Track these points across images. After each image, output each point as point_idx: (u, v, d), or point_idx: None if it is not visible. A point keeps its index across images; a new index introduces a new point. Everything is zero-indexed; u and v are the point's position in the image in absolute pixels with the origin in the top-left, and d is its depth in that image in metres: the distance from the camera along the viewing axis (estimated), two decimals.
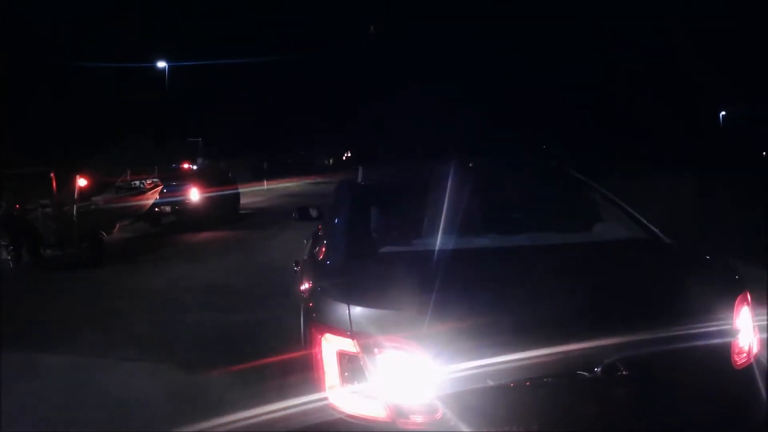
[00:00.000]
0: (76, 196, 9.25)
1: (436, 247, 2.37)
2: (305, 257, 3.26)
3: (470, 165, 3.33)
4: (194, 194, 13.99)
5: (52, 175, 9.02)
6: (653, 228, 2.63)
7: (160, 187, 12.51)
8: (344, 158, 52.65)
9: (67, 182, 9.29)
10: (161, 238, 12.47)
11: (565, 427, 1.80)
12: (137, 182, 12.50)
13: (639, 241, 2.56)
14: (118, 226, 10.75)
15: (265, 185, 27.12)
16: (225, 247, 11.19)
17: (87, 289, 7.59)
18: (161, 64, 28.89)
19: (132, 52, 25.75)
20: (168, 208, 13.50)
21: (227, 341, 4.85)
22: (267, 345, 4.21)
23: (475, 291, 2.03)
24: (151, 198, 12.02)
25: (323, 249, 2.60)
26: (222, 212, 14.94)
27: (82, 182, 9.52)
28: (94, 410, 3.59)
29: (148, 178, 13.05)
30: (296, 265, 3.72)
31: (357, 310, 1.87)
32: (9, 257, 8.74)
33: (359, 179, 3.15)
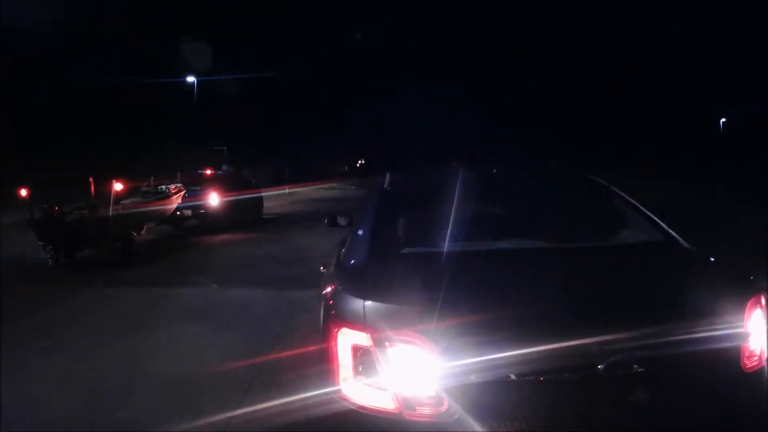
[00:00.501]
0: (111, 200, 9.34)
1: (453, 249, 2.34)
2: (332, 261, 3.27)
3: (493, 171, 3.29)
4: (214, 199, 14.02)
5: (90, 179, 9.16)
6: (670, 231, 2.53)
7: (183, 192, 12.57)
8: (358, 165, 53.10)
9: (104, 186, 9.40)
10: (180, 239, 12.63)
11: (569, 424, 1.74)
12: (163, 187, 12.55)
13: (652, 244, 2.48)
14: (145, 228, 10.84)
15: (287, 190, 27.74)
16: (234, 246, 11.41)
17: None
18: (190, 78, 29.70)
19: (163, 67, 26.22)
20: (189, 212, 13.55)
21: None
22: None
23: (484, 288, 2.01)
24: (175, 202, 12.11)
25: (348, 251, 2.60)
26: (244, 216, 14.99)
27: (117, 186, 9.62)
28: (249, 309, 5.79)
29: (172, 183, 13.11)
30: (323, 268, 3.70)
31: (371, 306, 1.87)
32: (48, 257, 8.81)
33: (386, 185, 3.11)
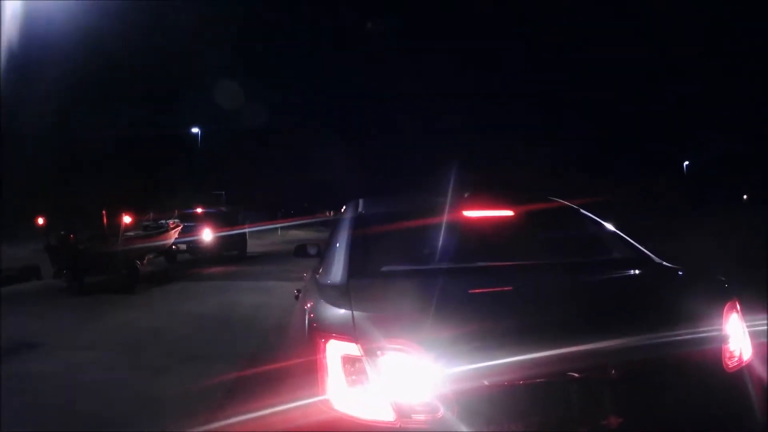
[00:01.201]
0: (121, 231, 9.57)
1: (433, 267, 2.28)
2: (305, 284, 3.08)
3: (465, 195, 3.12)
4: (207, 234, 14.49)
5: (103, 212, 9.40)
6: (643, 249, 2.52)
7: (180, 227, 12.71)
8: (341, 211, 53.51)
9: (114, 219, 9.60)
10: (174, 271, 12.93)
11: (557, 427, 1.66)
12: (163, 222, 12.72)
13: (629, 260, 2.44)
14: (146, 258, 10.94)
15: (279, 232, 29.16)
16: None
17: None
18: (195, 129, 30.95)
19: (170, 118, 27.47)
20: (184, 246, 13.93)
21: None
22: None
23: (472, 298, 1.94)
24: (173, 237, 12.23)
25: (327, 270, 2.45)
26: (231, 251, 15.43)
27: (126, 219, 9.83)
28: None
29: (171, 219, 13.30)
30: (297, 293, 3.48)
31: (360, 316, 1.75)
32: (63, 280, 8.85)
33: (360, 209, 2.96)
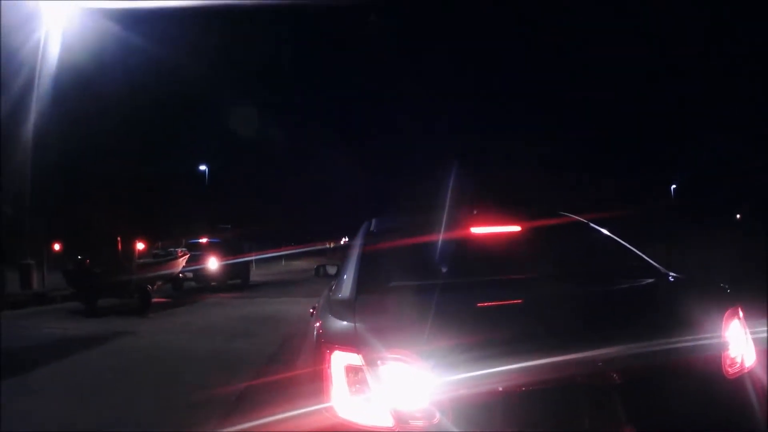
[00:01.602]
0: (134, 257, 9.70)
1: (439, 281, 2.28)
2: (320, 303, 3.08)
3: (474, 212, 3.05)
4: (213, 263, 14.51)
5: (118, 239, 9.54)
6: (646, 258, 2.46)
7: (187, 256, 12.78)
8: (342, 243, 53.47)
9: (129, 245, 9.74)
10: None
11: None
12: (172, 249, 12.83)
13: (630, 270, 2.39)
14: (156, 285, 10.99)
15: (283, 262, 30.93)
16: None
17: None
18: (202, 167, 32.66)
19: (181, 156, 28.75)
20: (190, 274, 14.09)
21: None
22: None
23: (471, 311, 1.95)
24: (181, 264, 12.30)
25: (337, 287, 2.50)
26: (234, 279, 15.41)
27: (140, 246, 9.97)
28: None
29: (179, 248, 13.41)
30: (313, 310, 3.47)
31: (362, 328, 1.79)
32: (81, 302, 8.95)
33: (371, 228, 2.98)
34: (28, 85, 10.37)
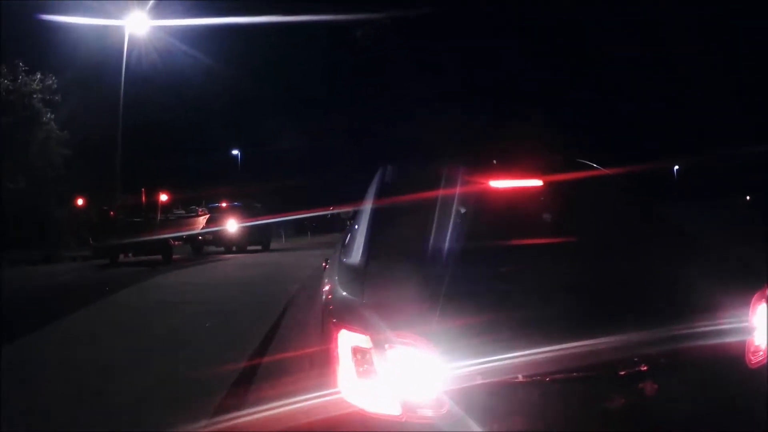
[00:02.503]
0: (159, 210, 9.94)
1: (455, 248, 2.05)
2: (332, 256, 2.86)
3: (494, 161, 2.78)
4: (232, 225, 14.57)
5: (143, 189, 9.74)
6: (670, 222, 2.25)
7: (208, 216, 12.95)
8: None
9: (154, 198, 9.99)
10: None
11: (571, 425, 1.52)
12: (193, 207, 13.01)
13: (654, 236, 2.19)
14: (177, 242, 11.29)
15: (309, 235, 33.04)
16: None
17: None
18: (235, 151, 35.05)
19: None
20: (210, 236, 14.27)
21: None
22: None
23: (486, 289, 1.75)
24: (201, 224, 12.46)
25: (347, 248, 2.33)
26: (254, 244, 15.56)
27: (163, 197, 10.23)
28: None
29: (201, 207, 13.58)
30: (325, 263, 3.25)
31: (371, 307, 1.65)
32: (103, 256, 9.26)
33: (385, 178, 2.71)
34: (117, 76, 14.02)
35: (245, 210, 16.08)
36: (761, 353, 1.66)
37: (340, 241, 2.88)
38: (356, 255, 2.13)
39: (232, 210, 15.48)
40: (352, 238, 2.36)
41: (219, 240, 14.55)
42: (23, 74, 12.98)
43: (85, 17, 12.85)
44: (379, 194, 2.50)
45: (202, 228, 12.64)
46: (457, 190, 2.36)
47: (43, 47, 13.51)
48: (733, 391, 1.60)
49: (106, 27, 13.63)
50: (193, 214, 12.32)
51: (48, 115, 14.20)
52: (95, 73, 14.78)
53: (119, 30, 13.82)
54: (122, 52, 13.81)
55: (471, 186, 2.37)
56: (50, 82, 13.81)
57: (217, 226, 13.91)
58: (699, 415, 1.54)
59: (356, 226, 2.40)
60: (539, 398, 1.51)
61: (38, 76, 13.23)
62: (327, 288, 2.07)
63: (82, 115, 14.82)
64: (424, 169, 3.02)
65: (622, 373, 1.49)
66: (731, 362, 1.61)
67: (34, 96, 13.31)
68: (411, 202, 2.42)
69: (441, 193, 2.37)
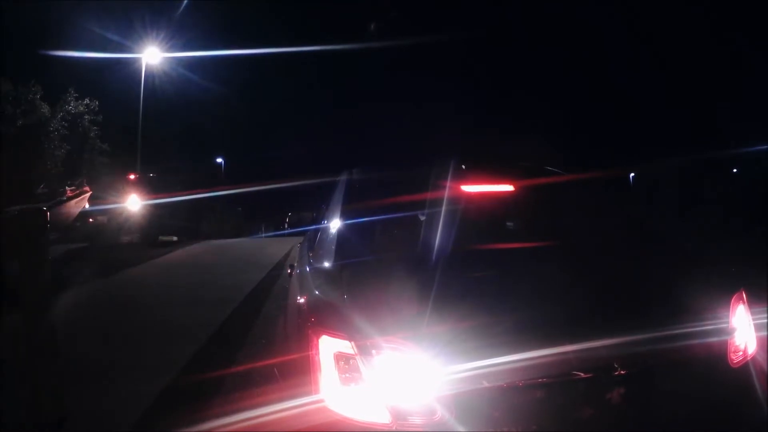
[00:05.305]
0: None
1: (434, 251, 2.01)
2: (299, 261, 2.74)
3: (463, 167, 2.69)
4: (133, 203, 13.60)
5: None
6: (650, 226, 2.35)
7: (88, 194, 11.44)
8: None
9: None
10: None
11: (562, 428, 1.53)
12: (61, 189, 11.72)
13: (636, 240, 2.25)
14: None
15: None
16: None
17: None
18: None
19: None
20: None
21: None
22: None
23: (473, 292, 1.72)
24: (74, 209, 11.01)
25: (319, 252, 2.23)
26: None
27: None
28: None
29: (70, 186, 12.20)
30: (290, 270, 3.10)
31: (354, 311, 1.59)
32: None
33: (353, 180, 2.65)
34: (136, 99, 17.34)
35: (158, 182, 14.23)
36: (741, 353, 1.72)
37: (304, 246, 2.75)
38: (329, 259, 2.05)
39: (138, 183, 13.47)
40: (322, 242, 2.27)
41: (107, 229, 11.91)
42: (73, 99, 17.06)
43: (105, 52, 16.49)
44: (348, 198, 2.42)
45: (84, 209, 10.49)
46: (427, 194, 2.33)
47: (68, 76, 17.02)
48: (716, 389, 1.64)
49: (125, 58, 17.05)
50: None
51: (94, 131, 17.87)
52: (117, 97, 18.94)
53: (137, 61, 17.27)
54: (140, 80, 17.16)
55: (440, 190, 2.35)
56: (93, 106, 17.47)
57: (108, 204, 11.48)
58: (684, 414, 1.58)
59: (325, 232, 2.29)
60: (530, 402, 1.51)
61: (86, 101, 17.24)
62: (301, 294, 1.98)
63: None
64: (392, 173, 2.96)
65: (610, 374, 1.52)
66: (714, 362, 1.66)
67: (86, 117, 17.36)
68: (380, 206, 2.36)
69: (409, 197, 2.34)
